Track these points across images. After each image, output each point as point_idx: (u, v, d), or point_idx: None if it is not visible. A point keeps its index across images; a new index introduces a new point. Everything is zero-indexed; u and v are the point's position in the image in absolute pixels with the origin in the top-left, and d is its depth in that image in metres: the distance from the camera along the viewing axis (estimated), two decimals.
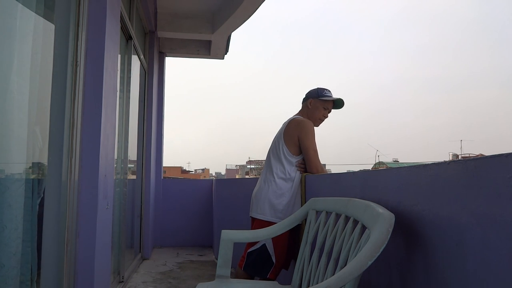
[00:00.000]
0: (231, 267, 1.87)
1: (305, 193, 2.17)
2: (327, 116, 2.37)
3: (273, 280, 2.10)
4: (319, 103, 2.33)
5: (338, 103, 2.38)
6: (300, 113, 2.40)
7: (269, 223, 2.10)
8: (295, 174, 2.20)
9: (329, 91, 2.36)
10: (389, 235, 0.95)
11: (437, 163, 0.93)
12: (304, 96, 2.44)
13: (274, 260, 2.09)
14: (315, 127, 2.30)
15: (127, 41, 3.52)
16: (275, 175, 2.21)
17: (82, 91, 1.99)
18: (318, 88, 2.38)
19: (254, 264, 2.12)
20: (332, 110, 2.40)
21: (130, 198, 3.86)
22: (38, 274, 1.71)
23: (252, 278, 2.15)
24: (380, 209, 1.06)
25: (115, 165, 2.83)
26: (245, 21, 4.59)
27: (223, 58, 5.93)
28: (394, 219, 0.99)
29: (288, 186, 2.18)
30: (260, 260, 2.11)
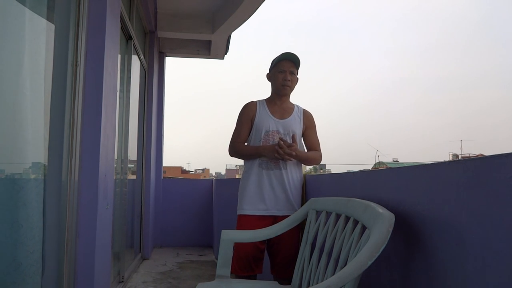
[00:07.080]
0: None
1: (305, 193, 2.17)
2: (288, 79, 2.21)
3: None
4: (273, 72, 2.26)
5: (289, 58, 2.23)
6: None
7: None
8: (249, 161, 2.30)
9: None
10: (389, 235, 0.95)
11: (437, 163, 0.93)
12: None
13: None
14: (287, 94, 2.25)
15: (127, 41, 3.52)
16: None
17: (82, 91, 1.99)
18: None
19: None
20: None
21: (130, 198, 3.85)
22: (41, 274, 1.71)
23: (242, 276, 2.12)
24: (380, 209, 1.07)
25: (115, 165, 2.83)
26: (245, 21, 4.59)
27: (223, 58, 5.93)
28: (394, 219, 0.99)
29: (244, 176, 2.30)
30: None
